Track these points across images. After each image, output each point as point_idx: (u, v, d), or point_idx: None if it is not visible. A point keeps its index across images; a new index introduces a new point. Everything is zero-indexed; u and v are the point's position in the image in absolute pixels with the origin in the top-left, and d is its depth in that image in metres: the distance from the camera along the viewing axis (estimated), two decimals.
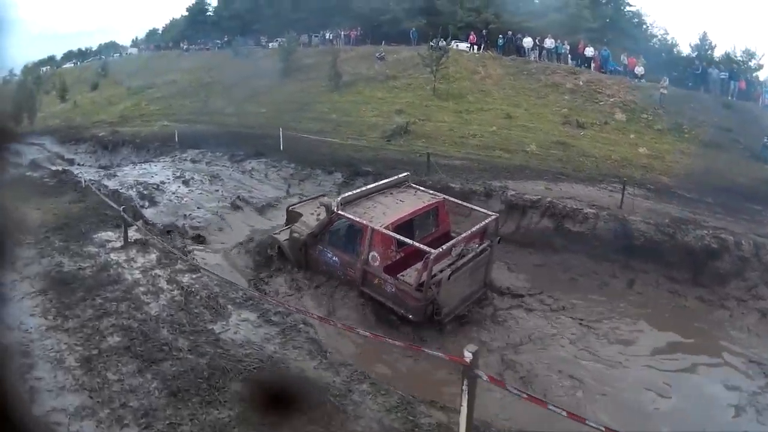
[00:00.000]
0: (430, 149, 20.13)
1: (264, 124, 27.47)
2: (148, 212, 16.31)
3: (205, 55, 49.66)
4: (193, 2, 58.97)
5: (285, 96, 32.82)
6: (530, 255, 14.48)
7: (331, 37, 44.81)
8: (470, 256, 11.13)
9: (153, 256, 11.97)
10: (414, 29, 41.08)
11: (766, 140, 22.19)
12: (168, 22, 64.16)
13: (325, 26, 47.30)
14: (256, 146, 22.41)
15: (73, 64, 60.97)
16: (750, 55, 37.71)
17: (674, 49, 42.68)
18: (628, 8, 46.16)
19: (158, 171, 20.87)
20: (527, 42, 35.30)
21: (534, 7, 44.58)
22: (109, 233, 13.03)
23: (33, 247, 11.82)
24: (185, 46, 52.91)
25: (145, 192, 18.13)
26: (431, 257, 9.86)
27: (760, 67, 36.80)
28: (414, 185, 13.34)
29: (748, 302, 12.42)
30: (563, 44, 34.62)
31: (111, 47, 62.00)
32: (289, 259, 12.77)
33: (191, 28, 55.91)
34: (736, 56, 38.09)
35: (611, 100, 27.71)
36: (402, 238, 10.79)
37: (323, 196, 15.04)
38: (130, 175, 20.62)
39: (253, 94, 33.48)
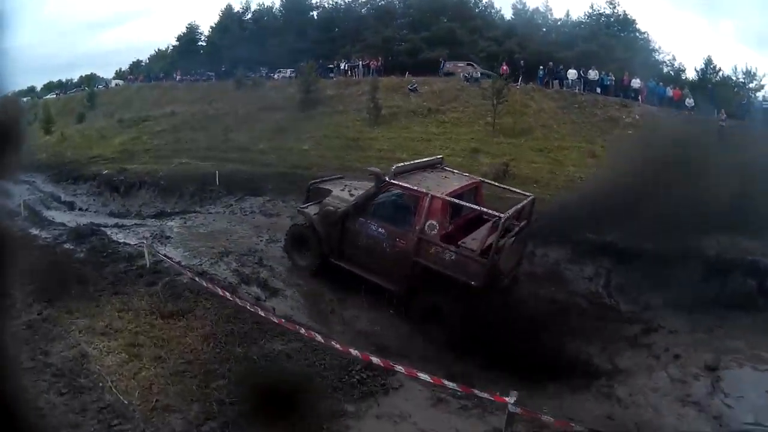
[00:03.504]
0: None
1: (320, 163, 23.93)
2: (279, 306, 10.79)
3: (202, 87, 46.06)
4: (184, 31, 55.64)
5: (321, 131, 29.62)
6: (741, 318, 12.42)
7: (346, 68, 41.80)
8: (516, 230, 11.45)
9: None
10: (442, 60, 38.73)
11: None
12: (154, 52, 60.53)
13: (331, 57, 44.59)
14: None
15: (55, 95, 56.53)
16: (751, 76, 37.12)
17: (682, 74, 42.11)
18: (637, 35, 45.86)
19: (226, 227, 16.22)
20: (572, 74, 33.02)
21: (561, 36, 43.29)
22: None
23: None
24: (178, 77, 49.21)
25: (245, 270, 12.13)
26: (503, 220, 10.20)
27: (761, 87, 36.21)
28: (447, 167, 13.77)
29: None
30: (608, 75, 32.65)
31: (92, 79, 57.71)
32: (317, 234, 12.34)
33: (183, 59, 52.25)
34: (738, 78, 37.91)
35: None
36: (467, 204, 11.50)
37: (342, 177, 14.78)
38: (187, 234, 15.46)
39: (278, 128, 29.98)
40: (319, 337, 8.55)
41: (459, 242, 10.76)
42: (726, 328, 11.64)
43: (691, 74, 41.36)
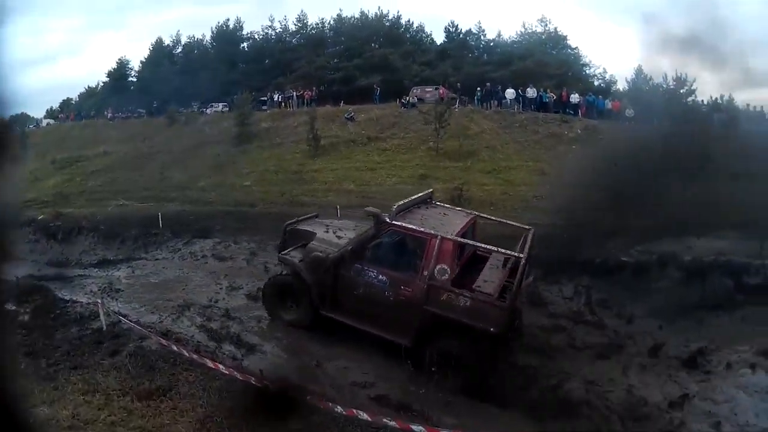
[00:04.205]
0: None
1: (265, 199, 23.56)
2: (261, 365, 9.13)
3: (135, 124, 44.85)
4: (114, 67, 54.30)
5: (260, 165, 29.22)
6: (719, 317, 13.00)
7: (280, 99, 41.42)
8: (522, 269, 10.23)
9: None
10: (376, 87, 38.89)
11: None
12: (84, 89, 58.78)
13: (264, 89, 44.21)
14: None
15: None
16: (681, 82, 37.02)
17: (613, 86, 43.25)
18: (569, 51, 46.92)
19: (179, 275, 15.13)
20: (510, 93, 33.58)
21: (495, 56, 44.10)
22: None
23: None
24: (109, 114, 47.94)
25: (212, 325, 10.86)
26: (523, 260, 9.40)
27: (692, 92, 36.19)
28: (439, 202, 13.06)
29: None
30: (547, 93, 33.62)
31: (23, 118, 55.44)
32: (305, 284, 10.79)
33: (114, 95, 50.89)
34: (668, 85, 37.71)
35: None
36: (482, 245, 10.86)
37: (317, 215, 13.53)
38: (138, 285, 14.18)
39: (216, 164, 29.53)
40: (365, 415, 7.05)
41: (473, 286, 9.85)
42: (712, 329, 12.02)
43: (622, 85, 42.75)
